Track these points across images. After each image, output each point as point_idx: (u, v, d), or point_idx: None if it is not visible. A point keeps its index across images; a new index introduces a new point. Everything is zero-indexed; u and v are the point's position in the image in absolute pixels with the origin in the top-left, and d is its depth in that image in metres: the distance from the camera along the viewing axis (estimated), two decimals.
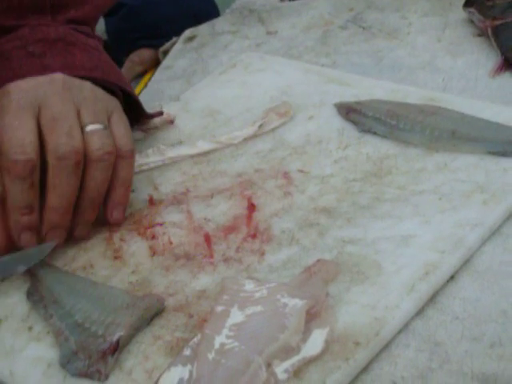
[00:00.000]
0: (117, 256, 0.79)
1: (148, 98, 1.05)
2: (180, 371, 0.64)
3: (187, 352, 0.66)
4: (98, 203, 0.79)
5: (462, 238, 0.73)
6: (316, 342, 0.65)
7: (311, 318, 0.67)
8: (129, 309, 0.70)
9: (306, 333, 0.66)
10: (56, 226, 0.77)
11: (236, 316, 0.67)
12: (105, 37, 1.64)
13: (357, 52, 1.11)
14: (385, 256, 0.73)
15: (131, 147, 0.80)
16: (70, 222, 0.78)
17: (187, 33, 1.27)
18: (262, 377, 0.63)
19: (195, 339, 0.67)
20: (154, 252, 0.79)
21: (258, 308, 0.67)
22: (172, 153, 0.91)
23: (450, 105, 0.90)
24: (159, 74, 1.13)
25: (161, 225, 0.82)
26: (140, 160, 0.90)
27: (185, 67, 1.17)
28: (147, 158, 0.91)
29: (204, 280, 0.74)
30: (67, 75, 0.81)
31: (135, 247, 0.80)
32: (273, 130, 0.93)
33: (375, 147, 0.87)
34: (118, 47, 1.52)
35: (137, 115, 0.92)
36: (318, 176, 0.85)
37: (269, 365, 0.63)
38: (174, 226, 0.82)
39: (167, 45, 1.25)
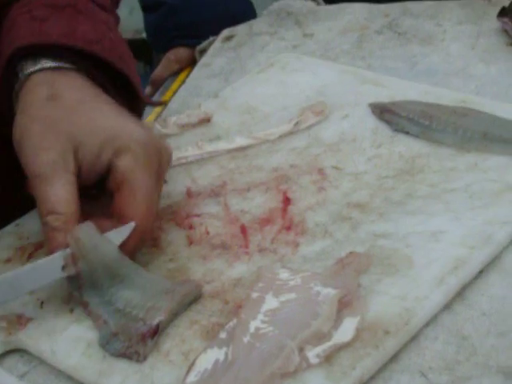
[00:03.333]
0: (154, 244, 0.82)
1: (186, 93, 1.08)
2: (216, 353, 0.67)
3: (223, 335, 0.68)
4: None
5: (492, 234, 0.75)
6: (347, 329, 0.68)
7: (343, 306, 0.69)
8: (168, 294, 0.73)
9: (337, 320, 0.68)
10: None
11: (271, 302, 0.69)
12: (143, 34, 1.67)
13: (391, 56, 1.13)
14: (415, 250, 0.75)
15: None
16: None
17: (225, 32, 1.29)
18: (295, 360, 0.65)
19: (231, 323, 0.69)
20: (191, 241, 0.81)
21: (292, 295, 0.70)
22: (210, 147, 0.94)
23: (481, 107, 0.92)
24: (197, 71, 1.16)
25: (198, 216, 0.85)
26: (179, 154, 0.93)
27: (222, 65, 1.19)
28: (186, 151, 0.93)
29: (239, 269, 0.77)
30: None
31: (173, 236, 0.82)
32: (308, 127, 0.96)
33: (408, 146, 0.89)
34: (156, 44, 1.55)
35: (133, 98, 0.88)
36: (351, 173, 0.87)
37: (301, 349, 0.66)
38: (210, 217, 0.84)
39: (204, 44, 1.27)
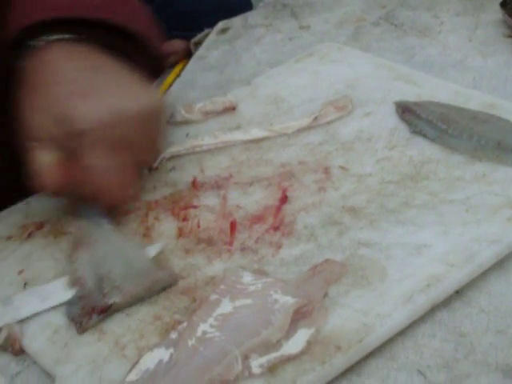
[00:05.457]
0: (146, 234, 0.82)
1: (181, 87, 1.07)
2: (162, 353, 0.66)
3: (174, 336, 0.68)
4: None
5: (476, 253, 0.72)
6: (298, 341, 0.66)
7: (300, 316, 0.68)
8: (139, 277, 0.73)
9: (290, 331, 0.67)
10: None
11: (225, 306, 0.68)
12: None
13: (388, 49, 1.11)
14: (394, 263, 0.72)
15: None
16: None
17: (220, 25, 1.27)
18: (237, 369, 0.64)
19: (184, 324, 0.69)
20: (181, 234, 0.81)
21: (248, 301, 0.68)
22: (225, 137, 0.93)
23: (509, 113, 0.87)
24: (193, 64, 1.14)
25: (196, 207, 0.84)
26: (194, 142, 0.92)
27: (218, 58, 1.18)
28: (202, 140, 0.92)
29: (217, 266, 0.76)
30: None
31: (166, 227, 0.82)
32: (328, 123, 0.93)
33: (420, 150, 0.86)
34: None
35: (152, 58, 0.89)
36: (356, 174, 0.84)
37: (246, 358, 0.65)
38: (207, 209, 0.84)
39: (200, 36, 1.25)
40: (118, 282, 0.73)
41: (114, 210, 0.82)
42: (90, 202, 0.80)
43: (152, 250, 0.78)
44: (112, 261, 0.76)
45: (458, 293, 0.71)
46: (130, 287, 0.73)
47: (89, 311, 0.71)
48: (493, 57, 1.06)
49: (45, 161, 0.77)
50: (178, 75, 1.00)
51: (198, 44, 1.25)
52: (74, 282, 0.74)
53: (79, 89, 0.79)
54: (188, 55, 1.24)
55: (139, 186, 0.85)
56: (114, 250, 0.77)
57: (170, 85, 0.98)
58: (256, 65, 1.12)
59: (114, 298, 0.71)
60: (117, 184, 0.79)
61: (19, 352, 0.72)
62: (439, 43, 1.11)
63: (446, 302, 0.70)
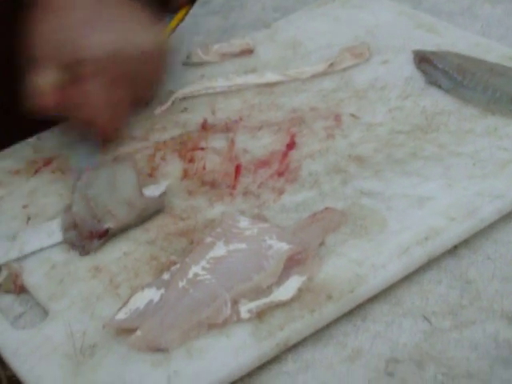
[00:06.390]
0: (151, 174, 0.82)
1: (185, 31, 1.05)
2: (152, 293, 0.66)
3: (166, 276, 0.68)
4: None
5: (478, 208, 0.70)
6: (289, 288, 0.65)
7: (294, 263, 0.67)
8: (130, 206, 0.75)
9: (283, 277, 0.66)
10: None
11: (219, 250, 0.68)
12: None
13: None
14: (394, 214, 0.71)
15: None
16: None
17: None
18: (225, 313, 0.64)
19: (178, 265, 0.68)
20: (185, 175, 0.81)
21: (242, 245, 0.68)
22: (239, 80, 0.92)
23: None
24: (196, 8, 1.12)
25: (203, 149, 0.84)
26: (207, 83, 0.91)
27: (222, 3, 1.16)
28: (215, 82, 0.91)
29: (218, 209, 0.76)
30: None
31: (171, 168, 0.82)
32: (344, 69, 0.92)
33: (434, 101, 0.84)
34: None
35: None
36: (366, 123, 0.83)
37: (235, 302, 0.64)
38: (214, 152, 0.83)
39: None
40: (110, 207, 0.74)
41: (106, 143, 0.84)
42: (83, 129, 0.83)
43: (156, 190, 0.78)
44: (100, 187, 0.77)
45: (465, 241, 0.70)
46: (121, 214, 0.74)
47: (88, 235, 0.72)
48: (501, 4, 1.04)
49: (46, 81, 0.79)
50: (182, 20, 0.98)
51: None
52: (67, 211, 0.76)
53: (90, 18, 0.80)
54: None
55: (128, 122, 0.87)
56: (103, 180, 0.78)
57: (174, 29, 0.97)
58: (261, 9, 1.10)
59: (109, 224, 0.73)
60: (110, 114, 0.81)
61: (21, 289, 0.72)
62: None
63: (452, 249, 0.70)
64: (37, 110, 0.80)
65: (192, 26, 1.07)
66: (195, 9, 1.02)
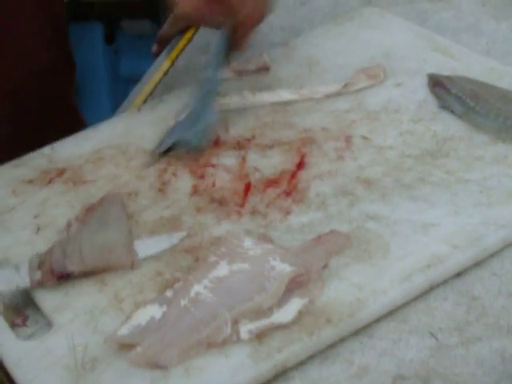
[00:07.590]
0: (161, 189, 0.82)
1: (194, 51, 1.06)
2: (155, 310, 0.67)
3: (169, 294, 0.68)
4: None
5: (482, 236, 0.71)
6: (290, 310, 0.66)
7: (295, 286, 0.68)
8: (102, 251, 0.74)
9: (284, 299, 0.67)
10: None
11: (222, 269, 0.69)
12: None
13: (401, 13, 1.09)
14: (398, 239, 0.72)
15: None
16: None
17: None
18: (225, 332, 0.65)
19: (181, 283, 0.69)
20: (195, 191, 0.81)
21: (245, 266, 0.69)
22: (253, 98, 0.92)
23: None
24: (205, 28, 1.13)
25: (214, 166, 0.84)
26: (221, 100, 0.92)
27: None
28: (229, 99, 0.92)
29: (225, 227, 0.76)
30: None
31: (181, 184, 0.83)
32: (358, 90, 0.92)
33: (445, 126, 0.84)
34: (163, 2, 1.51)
35: None
36: (377, 145, 0.83)
37: (236, 322, 0.65)
38: (224, 169, 0.84)
39: None
40: (85, 250, 0.73)
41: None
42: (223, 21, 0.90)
43: (167, 240, 0.76)
44: (91, 227, 0.77)
45: None
46: (90, 259, 0.73)
47: (48, 272, 0.72)
48: (506, 21, 1.05)
49: None
50: (190, 40, 0.99)
51: None
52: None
53: None
54: None
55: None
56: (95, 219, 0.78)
57: (182, 50, 0.98)
58: (269, 29, 1.11)
59: (74, 267, 0.72)
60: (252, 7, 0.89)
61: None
62: (452, 7, 1.10)
63: None
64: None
65: (200, 47, 1.07)
66: (203, 28, 1.02)
